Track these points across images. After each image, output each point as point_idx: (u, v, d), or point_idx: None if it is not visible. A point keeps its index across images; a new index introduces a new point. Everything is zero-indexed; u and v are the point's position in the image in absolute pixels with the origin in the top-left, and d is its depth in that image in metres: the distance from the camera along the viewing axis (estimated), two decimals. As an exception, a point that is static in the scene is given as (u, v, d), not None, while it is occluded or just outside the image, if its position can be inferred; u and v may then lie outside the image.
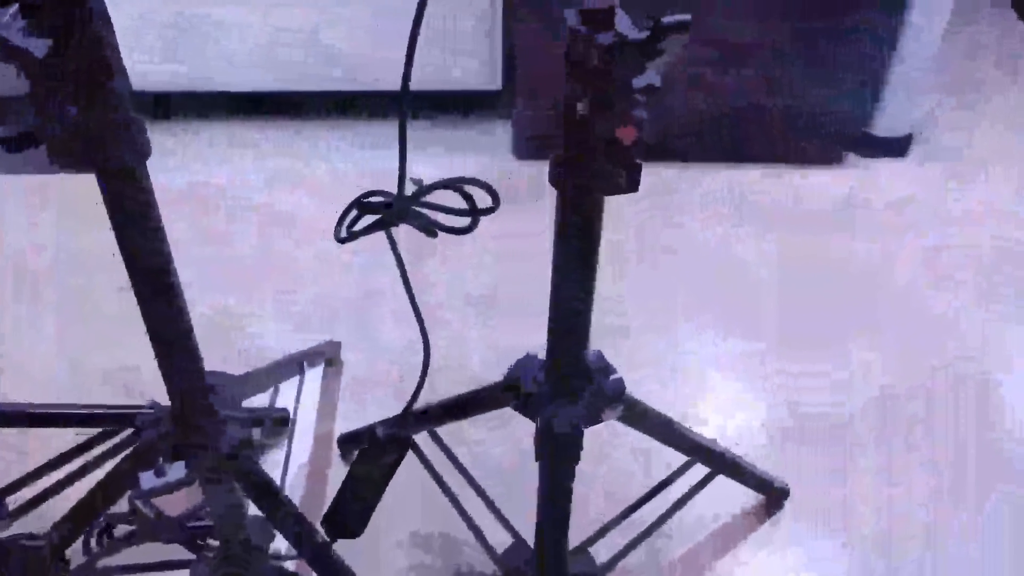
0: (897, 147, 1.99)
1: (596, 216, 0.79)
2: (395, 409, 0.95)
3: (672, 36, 0.66)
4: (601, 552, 1.14)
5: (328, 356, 1.39)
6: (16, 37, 0.63)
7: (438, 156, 1.88)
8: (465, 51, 2.35)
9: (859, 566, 1.19)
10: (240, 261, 1.62)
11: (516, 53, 2.02)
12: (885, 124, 1.95)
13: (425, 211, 0.72)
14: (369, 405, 1.36)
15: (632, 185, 0.73)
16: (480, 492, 1.15)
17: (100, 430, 1.08)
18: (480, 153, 1.94)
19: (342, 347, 1.43)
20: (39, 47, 0.64)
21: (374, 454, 0.89)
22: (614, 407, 0.94)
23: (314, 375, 1.34)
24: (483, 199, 0.71)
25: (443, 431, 1.12)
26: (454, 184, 0.69)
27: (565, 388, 0.91)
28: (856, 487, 1.27)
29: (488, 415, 1.02)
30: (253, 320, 1.50)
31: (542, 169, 0.75)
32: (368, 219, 0.77)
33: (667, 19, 0.65)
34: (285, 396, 1.32)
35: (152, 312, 0.81)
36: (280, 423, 1.29)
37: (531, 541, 1.10)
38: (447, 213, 0.70)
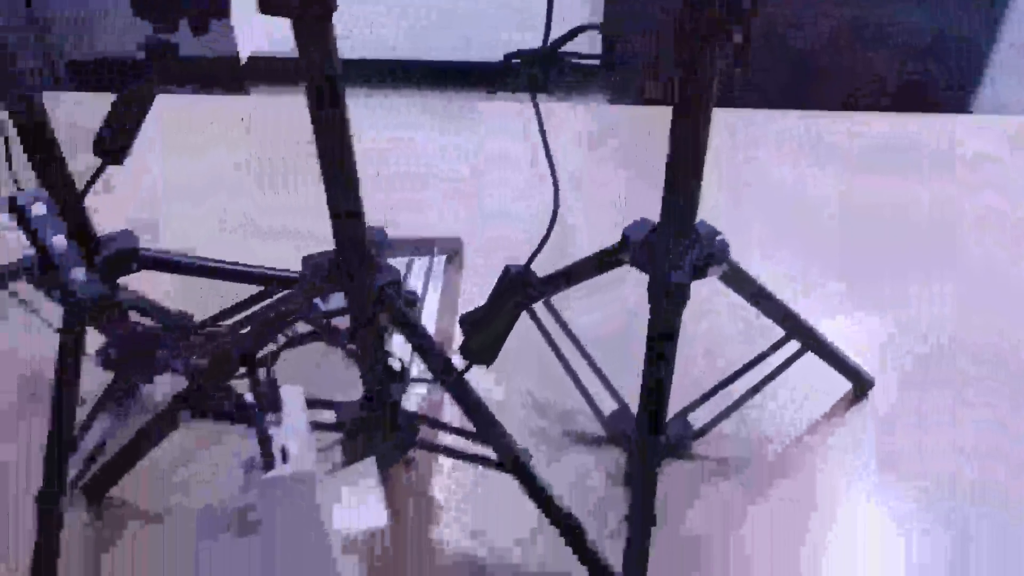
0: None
1: (708, 97, 0.91)
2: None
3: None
4: (698, 418, 1.26)
5: (451, 251, 1.54)
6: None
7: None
8: (564, 17, 2.42)
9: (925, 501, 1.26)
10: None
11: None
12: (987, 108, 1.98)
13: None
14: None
15: (746, 70, 0.86)
16: (590, 361, 1.28)
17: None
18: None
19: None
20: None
21: (506, 293, 1.03)
22: (718, 264, 1.05)
23: (438, 262, 1.49)
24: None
25: (559, 297, 1.26)
26: (583, 30, 0.82)
27: (676, 245, 1.03)
28: (922, 431, 1.31)
29: (603, 279, 1.15)
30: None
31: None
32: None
33: None
34: (412, 283, 1.47)
35: (327, 160, 0.96)
36: (408, 304, 1.44)
37: (635, 409, 1.23)
38: (580, 59, 0.84)
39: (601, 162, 1.76)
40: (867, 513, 1.20)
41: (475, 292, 1.49)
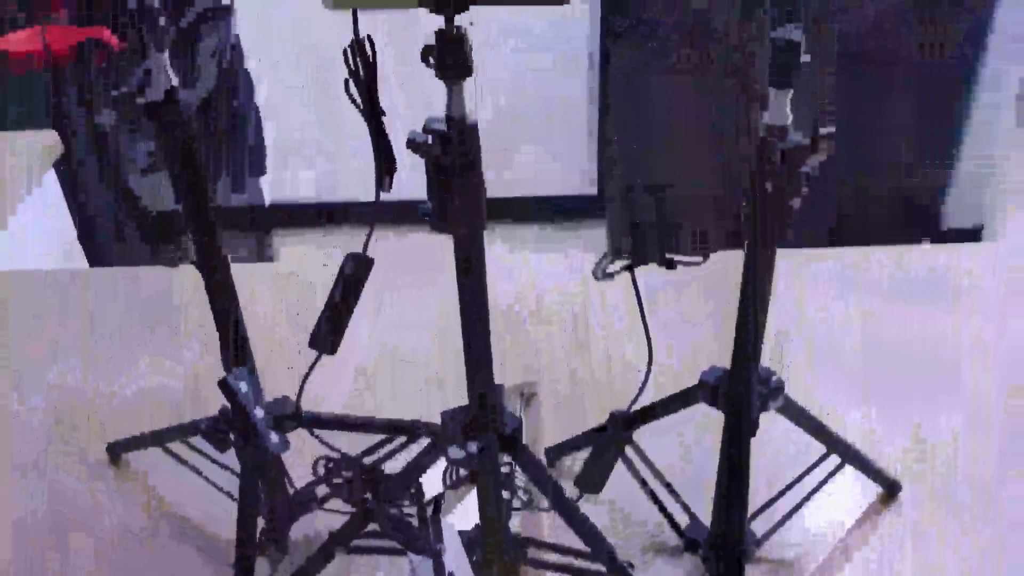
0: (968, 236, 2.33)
1: (771, 263, 1.19)
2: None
3: (824, 142, 1.07)
4: (758, 527, 1.50)
5: (530, 394, 1.79)
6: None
7: (544, 254, 2.29)
8: (565, 161, 2.81)
9: None
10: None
11: (611, 160, 2.46)
12: (954, 215, 2.31)
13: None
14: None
15: (792, 234, 1.14)
16: (666, 483, 1.52)
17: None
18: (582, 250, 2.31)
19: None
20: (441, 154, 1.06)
21: (612, 432, 1.28)
22: (776, 399, 1.32)
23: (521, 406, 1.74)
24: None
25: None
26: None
27: (744, 387, 1.29)
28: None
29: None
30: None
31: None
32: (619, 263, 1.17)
33: (822, 130, 1.06)
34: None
35: (471, 328, 1.22)
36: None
37: (707, 521, 1.47)
38: (681, 254, 1.11)
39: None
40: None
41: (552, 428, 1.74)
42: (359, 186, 2.55)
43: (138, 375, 1.96)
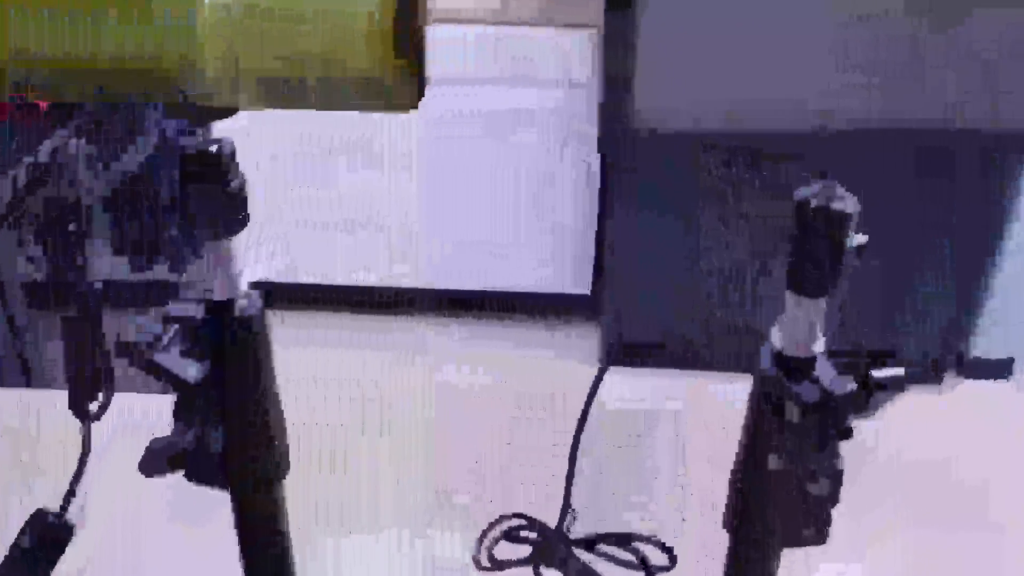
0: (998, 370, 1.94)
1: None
2: None
3: (885, 392, 0.58)
4: None
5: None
6: (173, 361, 0.60)
7: (525, 359, 1.85)
8: (556, 255, 2.34)
9: None
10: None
11: (609, 259, 2.02)
12: (983, 346, 1.92)
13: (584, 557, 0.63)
14: None
15: (821, 538, 0.65)
16: None
17: None
18: (567, 358, 1.90)
19: None
20: (193, 373, 0.60)
21: None
22: None
23: None
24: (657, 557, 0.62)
25: None
26: (626, 541, 0.61)
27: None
28: None
29: None
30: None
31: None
32: (515, 549, 0.69)
33: (880, 373, 0.57)
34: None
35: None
36: None
37: None
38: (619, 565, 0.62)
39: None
40: None
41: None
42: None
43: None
